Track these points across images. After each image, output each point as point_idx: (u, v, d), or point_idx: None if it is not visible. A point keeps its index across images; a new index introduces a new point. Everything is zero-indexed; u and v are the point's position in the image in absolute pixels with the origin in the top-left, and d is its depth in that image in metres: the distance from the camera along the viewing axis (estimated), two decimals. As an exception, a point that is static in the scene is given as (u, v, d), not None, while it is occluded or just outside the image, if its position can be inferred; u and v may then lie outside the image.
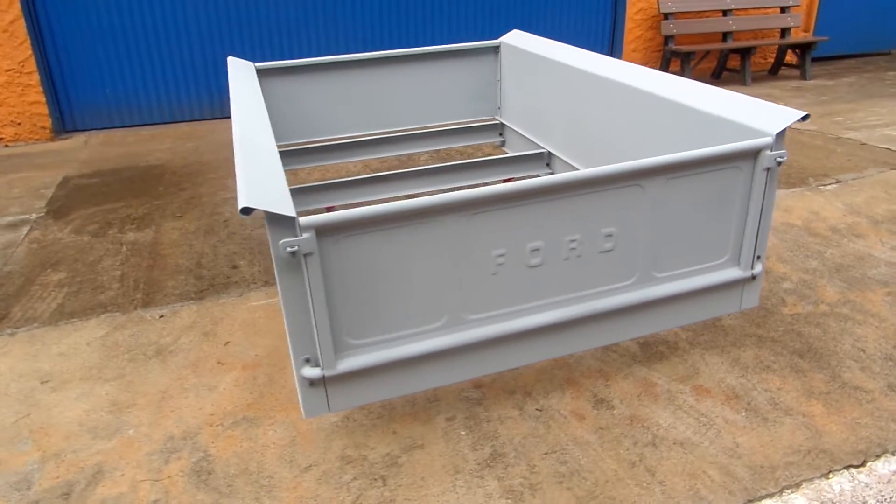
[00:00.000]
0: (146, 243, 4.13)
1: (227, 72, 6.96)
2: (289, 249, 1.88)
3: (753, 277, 2.58)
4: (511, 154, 4.05)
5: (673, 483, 2.22)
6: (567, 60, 3.69)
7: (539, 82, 4.11)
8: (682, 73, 7.87)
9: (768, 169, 2.35)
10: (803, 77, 8.42)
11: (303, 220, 1.87)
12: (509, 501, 2.17)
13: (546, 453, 2.37)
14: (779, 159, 2.33)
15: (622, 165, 2.15)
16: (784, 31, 8.56)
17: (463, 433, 2.47)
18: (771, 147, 2.31)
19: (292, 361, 2.10)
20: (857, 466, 2.26)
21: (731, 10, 8.35)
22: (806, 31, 9.14)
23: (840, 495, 2.15)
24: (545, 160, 4.12)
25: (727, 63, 8.57)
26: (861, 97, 7.30)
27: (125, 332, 3.17)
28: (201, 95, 6.94)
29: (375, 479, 2.27)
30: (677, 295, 2.46)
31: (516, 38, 4.49)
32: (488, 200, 2.05)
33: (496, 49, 4.61)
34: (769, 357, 2.82)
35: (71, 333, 3.17)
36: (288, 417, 2.58)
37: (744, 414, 2.51)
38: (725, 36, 8.36)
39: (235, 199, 4.82)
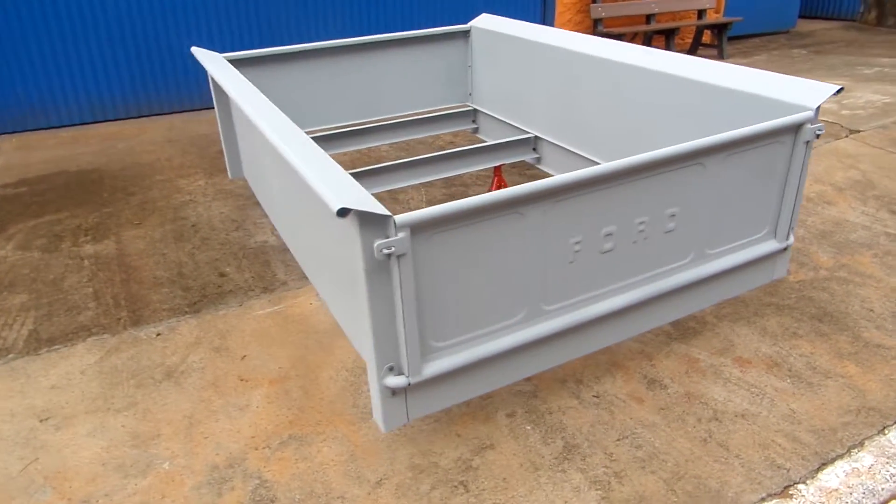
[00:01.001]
0: (110, 256, 3.74)
1: (156, 65, 6.43)
2: (385, 251, 1.73)
3: (785, 248, 2.67)
4: (499, 141, 3.98)
5: (748, 455, 2.26)
6: (559, 43, 3.66)
7: (520, 66, 4.05)
8: (613, 55, 8.06)
9: (807, 142, 2.42)
10: (720, 56, 8.87)
11: (398, 218, 1.72)
12: (599, 492, 2.13)
13: (618, 439, 2.34)
14: (818, 132, 2.40)
15: (689, 145, 2.13)
16: (700, 13, 8.97)
17: (529, 428, 2.40)
18: (812, 121, 2.37)
19: (373, 371, 1.95)
20: (905, 420, 2.39)
21: (652, -7, 8.65)
22: (717, 12, 9.63)
23: (901, 449, 2.27)
24: (531, 144, 4.08)
25: (651, 44, 8.89)
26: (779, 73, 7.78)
27: (122, 355, 2.85)
28: (125, 92, 6.38)
29: (456, 486, 2.16)
30: (726, 270, 2.50)
31: (488, 22, 4.41)
32: (572, 187, 1.97)
33: (466, 34, 4.51)
34: (792, 324, 2.93)
35: (58, 362, 2.81)
36: (338, 431, 2.41)
37: (789, 381, 2.60)
38: (649, 18, 8.66)
39: (195, 201, 4.47)
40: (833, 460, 2.23)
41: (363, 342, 1.95)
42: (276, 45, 4.03)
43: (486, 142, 4.60)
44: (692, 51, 9.26)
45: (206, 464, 2.28)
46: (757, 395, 2.53)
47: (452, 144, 5.56)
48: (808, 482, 2.15)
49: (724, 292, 2.60)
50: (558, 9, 8.31)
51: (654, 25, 8.55)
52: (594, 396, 2.55)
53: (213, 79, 3.72)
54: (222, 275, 3.51)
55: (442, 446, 2.33)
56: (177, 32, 6.37)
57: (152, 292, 3.34)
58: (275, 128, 2.24)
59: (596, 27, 8.34)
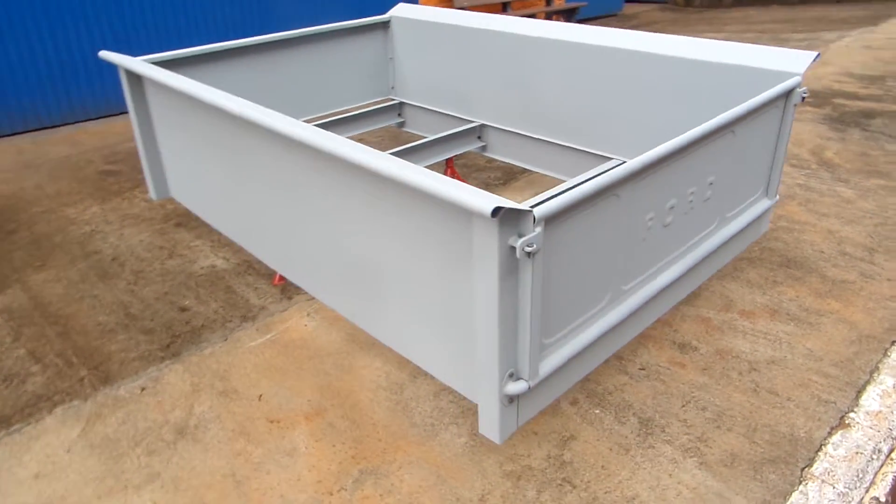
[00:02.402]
0: (25, 307, 3.11)
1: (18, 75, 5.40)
2: (527, 249, 1.60)
3: (772, 205, 2.90)
4: (446, 133, 3.87)
5: (797, 397, 2.43)
6: (504, 28, 3.64)
7: (456, 53, 3.98)
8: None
9: (795, 105, 2.63)
10: (570, 39, 9.41)
11: (537, 211, 1.60)
12: (694, 459, 2.18)
13: (683, 406, 2.41)
14: (803, 95, 2.62)
15: (730, 114, 2.22)
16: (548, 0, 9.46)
17: (598, 412, 2.39)
18: (799, 85, 2.59)
19: (492, 381, 1.81)
20: (897, 341, 2.72)
21: (505, -18, 8.94)
22: (558, -2, 10.21)
23: (907, 367, 2.58)
24: (476, 133, 4.03)
25: (508, 31, 9.20)
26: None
27: (109, 420, 2.39)
28: (-49, 114, 5.33)
29: (561, 485, 2.09)
30: (738, 231, 2.66)
31: (408, 11, 4.27)
32: (655, 163, 1.97)
33: (385, 25, 4.34)
34: (769, 273, 3.20)
35: (29, 445, 2.28)
36: (410, 455, 2.22)
37: (792, 325, 2.84)
38: (505, 6, 8.95)
39: (100, 231, 3.86)
40: (864, 386, 2.48)
41: (478, 351, 1.80)
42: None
43: (416, 136, 4.48)
44: (543, 35, 9.71)
45: (282, 522, 1.99)
46: (774, 341, 2.73)
47: (363, 142, 5.34)
48: (855, 410, 2.37)
49: (733, 251, 2.77)
50: (422, 1, 8.29)
51: (510, 13, 8.85)
52: (640, 369, 2.59)
53: (129, 84, 3.21)
54: (183, 309, 3.06)
55: (525, 448, 2.24)
56: (13, 38, 5.42)
57: (107, 342, 2.83)
58: (310, 129, 1.99)
59: (458, 16, 8.44)
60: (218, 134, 2.70)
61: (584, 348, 2.03)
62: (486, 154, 4.08)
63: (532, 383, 1.85)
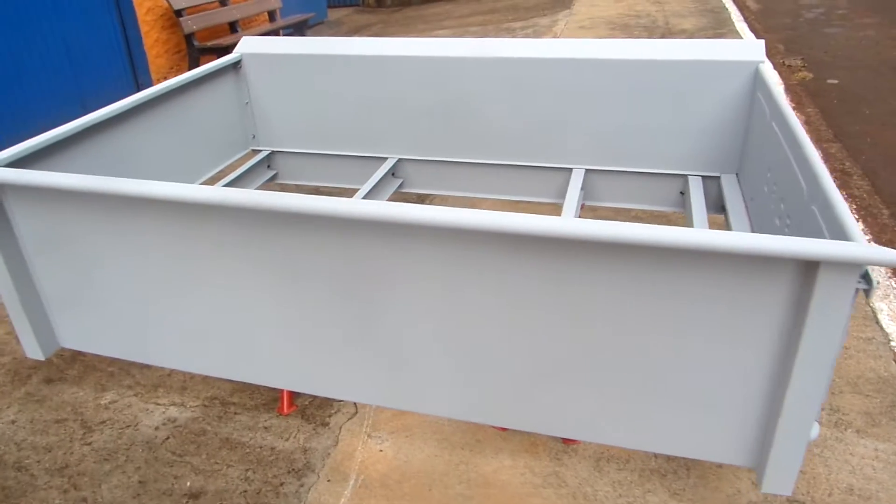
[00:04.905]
0: None
1: None
2: (876, 288, 1.49)
3: (736, 182, 3.19)
4: (373, 183, 3.37)
5: (849, 343, 2.76)
6: (416, 52, 3.31)
7: (338, 86, 3.49)
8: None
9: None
10: (306, 53, 9.00)
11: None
12: (850, 430, 2.32)
13: (791, 385, 2.54)
14: (765, 81, 2.92)
15: (780, 102, 2.36)
16: (272, 14, 8.86)
17: (743, 420, 2.38)
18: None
19: (803, 434, 1.66)
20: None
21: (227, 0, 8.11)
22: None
23: None
24: (392, 170, 3.60)
25: (242, 52, 8.39)
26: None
27: None
28: None
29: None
30: (749, 212, 2.88)
31: (258, 45, 3.59)
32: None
33: (235, 66, 3.57)
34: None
35: None
36: (646, 547, 1.94)
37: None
38: (233, 25, 8.13)
39: (-80, 434, 2.49)
40: (875, 317, 2.92)
41: (786, 408, 1.64)
42: None
43: (301, 188, 3.87)
44: (276, 52, 9.11)
45: None
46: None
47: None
48: (891, 339, 2.78)
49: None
50: (143, 28, 7.05)
51: (241, 33, 8.09)
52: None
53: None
54: (195, 495, 2.17)
55: (725, 483, 2.13)
56: None
57: (129, 593, 1.86)
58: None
59: (190, 43, 7.42)
60: (213, 234, 1.93)
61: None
62: (409, 191, 3.67)
63: (821, 423, 1.75)
